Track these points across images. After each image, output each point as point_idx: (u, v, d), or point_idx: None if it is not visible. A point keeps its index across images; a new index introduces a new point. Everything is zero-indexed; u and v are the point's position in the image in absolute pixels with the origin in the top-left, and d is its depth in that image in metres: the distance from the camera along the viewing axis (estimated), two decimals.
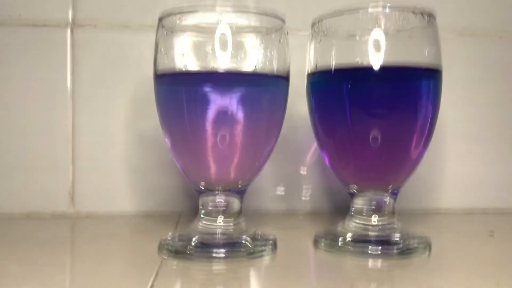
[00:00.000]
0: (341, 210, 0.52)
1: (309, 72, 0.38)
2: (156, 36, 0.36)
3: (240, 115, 0.34)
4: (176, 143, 0.36)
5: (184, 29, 0.34)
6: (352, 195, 0.39)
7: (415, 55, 0.36)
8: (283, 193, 0.54)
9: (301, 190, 0.54)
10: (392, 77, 0.35)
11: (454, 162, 0.55)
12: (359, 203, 0.38)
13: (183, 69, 0.34)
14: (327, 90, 0.37)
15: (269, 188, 0.53)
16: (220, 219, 0.36)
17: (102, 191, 0.52)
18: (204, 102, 0.34)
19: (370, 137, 0.35)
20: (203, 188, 0.36)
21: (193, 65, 0.34)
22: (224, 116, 0.34)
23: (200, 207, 0.37)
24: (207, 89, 0.34)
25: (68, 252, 0.39)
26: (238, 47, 0.34)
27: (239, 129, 0.34)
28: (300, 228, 0.45)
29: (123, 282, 0.30)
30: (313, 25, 0.38)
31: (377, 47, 0.35)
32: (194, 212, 0.37)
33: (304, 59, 0.40)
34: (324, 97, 0.37)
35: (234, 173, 0.36)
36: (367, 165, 0.37)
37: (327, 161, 0.39)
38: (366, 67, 0.35)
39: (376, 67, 0.34)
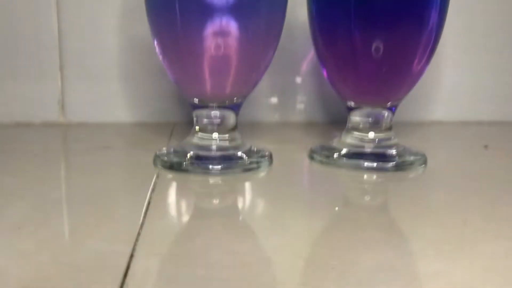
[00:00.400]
0: (337, 121, 0.51)
1: None
2: None
3: (236, 22, 0.32)
4: (167, 54, 0.34)
5: None
6: (350, 109, 0.38)
7: None
8: (277, 103, 0.53)
9: (296, 100, 0.53)
10: None
11: (451, 73, 0.54)
12: (356, 117, 0.38)
13: None
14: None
15: (263, 98, 0.52)
16: (215, 134, 0.36)
17: (92, 100, 0.51)
18: (198, 7, 0.32)
19: (373, 48, 0.34)
20: (197, 103, 0.35)
21: None
22: (219, 23, 0.32)
23: (195, 120, 0.36)
24: None
25: (62, 164, 0.38)
26: None
27: (235, 38, 0.33)
28: (295, 141, 0.45)
29: (120, 197, 0.30)
30: None
31: None
32: (189, 122, 0.36)
33: None
34: (326, 4, 0.35)
35: (229, 87, 0.35)
36: (367, 79, 0.35)
37: (325, 74, 0.37)
38: None
39: None
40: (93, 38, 0.49)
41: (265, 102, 0.53)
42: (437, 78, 0.53)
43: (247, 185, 0.34)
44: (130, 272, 0.20)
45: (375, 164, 0.36)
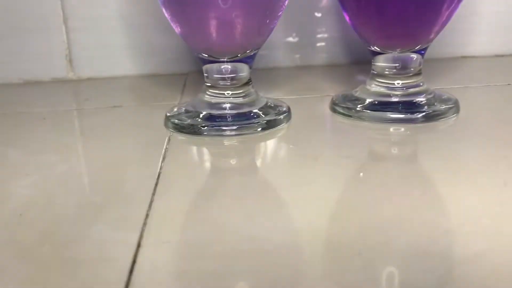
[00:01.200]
0: (362, 62, 0.48)
1: None
2: None
3: None
4: (169, 3, 0.31)
5: None
6: (374, 54, 0.35)
7: None
8: (296, 41, 0.49)
9: (315, 39, 0.49)
10: None
11: (485, 2, 0.49)
12: (381, 63, 0.34)
13: None
14: None
15: (279, 37, 0.49)
16: (228, 91, 0.33)
17: (100, 53, 0.48)
18: None
19: None
20: (206, 57, 0.32)
21: None
22: None
23: (205, 75, 0.33)
24: None
25: (70, 130, 0.36)
26: None
27: None
28: (315, 88, 0.42)
29: (129, 168, 0.29)
30: None
31: None
32: (201, 73, 0.34)
33: None
34: None
35: (240, 38, 0.32)
36: (395, 19, 0.32)
37: (346, 17, 0.34)
38: None
39: None
40: None
41: (282, 42, 0.49)
42: (470, 8, 0.48)
43: (265, 145, 0.32)
44: (136, 267, 0.19)
45: (402, 116, 0.33)
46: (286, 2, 0.32)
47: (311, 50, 0.50)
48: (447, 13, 0.32)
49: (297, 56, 0.50)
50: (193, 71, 0.48)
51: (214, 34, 0.31)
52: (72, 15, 0.47)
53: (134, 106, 0.40)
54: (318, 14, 0.48)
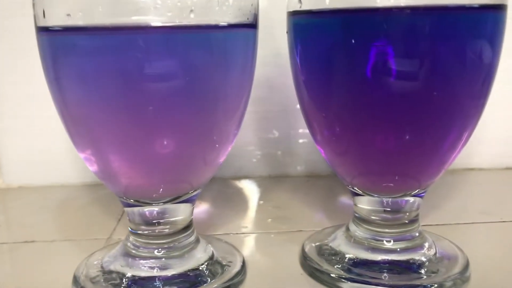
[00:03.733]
0: None
1: (291, 10, 0.24)
2: None
3: (180, 94, 0.21)
4: (75, 130, 0.23)
5: None
6: (355, 194, 0.26)
7: None
8: (271, 146, 0.42)
9: (294, 144, 0.42)
10: (429, 23, 0.21)
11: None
12: (364, 205, 0.26)
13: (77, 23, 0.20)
14: (320, 40, 0.23)
15: (251, 141, 0.41)
16: (157, 244, 0.25)
17: (35, 158, 0.40)
18: (119, 74, 0.20)
19: (392, 116, 0.22)
20: (126, 200, 0.24)
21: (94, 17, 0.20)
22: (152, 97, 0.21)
23: (128, 220, 0.25)
24: (123, 54, 0.20)
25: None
26: None
27: (178, 117, 0.21)
28: (286, 219, 0.33)
29: None
30: None
31: None
32: None
33: None
34: (316, 51, 0.24)
35: (175, 182, 0.24)
36: (383, 160, 0.24)
37: (321, 151, 0.26)
38: (388, 8, 0.21)
39: (405, 9, 0.20)
40: (34, 82, 0.39)
41: (253, 147, 0.42)
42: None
43: None
44: None
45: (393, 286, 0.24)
46: (237, 129, 0.24)
47: (288, 157, 0.42)
48: (453, 150, 0.24)
49: (265, 168, 0.42)
50: None
51: (137, 175, 0.23)
52: (6, 113, 0.40)
53: (50, 242, 0.31)
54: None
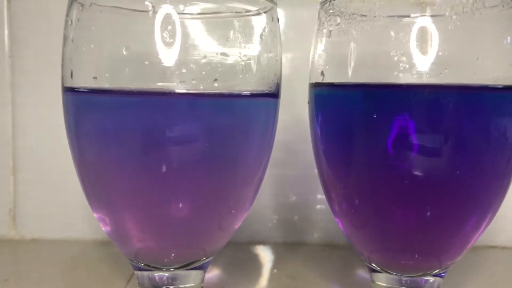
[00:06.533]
0: None
1: (313, 81, 0.24)
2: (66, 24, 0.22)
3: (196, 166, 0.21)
4: (91, 193, 0.23)
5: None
6: (373, 270, 0.25)
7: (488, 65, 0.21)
8: (287, 211, 0.41)
9: (311, 209, 0.41)
10: (455, 101, 0.20)
11: None
12: (382, 284, 0.25)
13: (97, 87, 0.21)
14: (341, 112, 0.23)
15: (265, 205, 0.41)
16: None
17: (49, 211, 0.40)
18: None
19: (415, 193, 0.22)
20: (137, 264, 0.24)
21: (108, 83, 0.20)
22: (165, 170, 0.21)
23: (137, 283, 0.25)
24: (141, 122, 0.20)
25: None
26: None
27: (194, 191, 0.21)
28: None
29: None
30: (322, 4, 0.24)
31: (425, 48, 0.20)
32: None
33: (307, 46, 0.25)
34: (336, 123, 0.24)
35: (188, 247, 0.23)
36: (403, 237, 0.23)
37: (339, 223, 0.25)
38: (412, 85, 0.21)
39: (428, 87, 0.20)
40: (52, 132, 0.39)
41: (269, 210, 0.41)
42: None
43: None
44: None
45: None
46: (254, 196, 0.24)
47: (305, 224, 0.41)
48: (478, 227, 0.23)
49: (288, 229, 0.41)
50: None
51: (150, 238, 0.23)
52: (23, 165, 0.40)
53: None
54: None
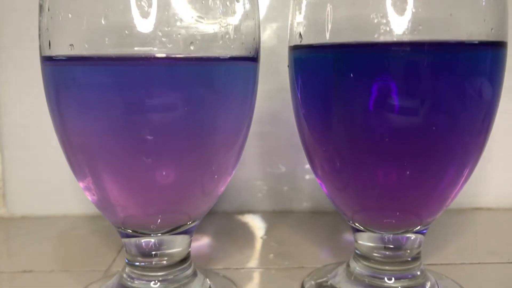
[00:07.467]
0: None
1: (293, 44, 0.24)
2: None
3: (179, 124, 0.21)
4: (75, 158, 0.23)
5: None
6: (356, 230, 0.26)
7: (466, 20, 0.21)
8: (276, 179, 0.41)
9: (299, 179, 0.42)
10: (428, 58, 0.21)
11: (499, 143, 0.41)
12: (365, 242, 0.26)
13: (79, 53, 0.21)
14: (320, 74, 0.23)
15: (255, 175, 0.41)
16: (153, 277, 0.24)
17: (38, 188, 0.40)
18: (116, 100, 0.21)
19: (394, 151, 0.22)
20: (124, 231, 0.24)
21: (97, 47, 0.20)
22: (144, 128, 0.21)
23: (125, 250, 0.25)
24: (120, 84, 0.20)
25: None
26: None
27: (176, 145, 0.22)
28: (287, 254, 0.33)
29: None
30: None
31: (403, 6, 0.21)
32: None
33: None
34: (316, 85, 0.24)
35: (173, 212, 0.23)
36: (384, 195, 0.23)
37: (322, 186, 0.26)
38: (388, 43, 0.21)
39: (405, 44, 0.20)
40: (38, 111, 0.39)
41: (258, 180, 0.41)
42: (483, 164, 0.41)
43: None
44: None
45: None
46: (236, 160, 0.24)
47: (294, 193, 0.41)
48: (455, 186, 0.23)
49: (277, 199, 0.41)
50: None
51: (135, 204, 0.23)
52: (10, 143, 0.40)
53: (48, 272, 0.31)
54: None
